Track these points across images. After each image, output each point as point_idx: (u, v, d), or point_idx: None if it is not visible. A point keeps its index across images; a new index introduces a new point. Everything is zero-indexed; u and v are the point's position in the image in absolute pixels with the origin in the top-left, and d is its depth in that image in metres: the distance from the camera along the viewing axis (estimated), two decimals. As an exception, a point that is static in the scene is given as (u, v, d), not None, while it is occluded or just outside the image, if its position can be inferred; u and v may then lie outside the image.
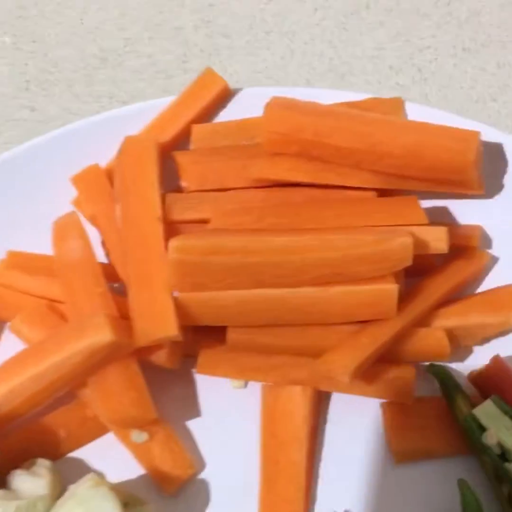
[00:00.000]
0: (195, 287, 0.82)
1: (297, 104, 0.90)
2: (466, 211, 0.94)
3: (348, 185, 0.89)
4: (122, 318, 0.85)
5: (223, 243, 0.81)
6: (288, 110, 0.88)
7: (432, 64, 1.08)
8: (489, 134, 0.93)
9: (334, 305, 0.83)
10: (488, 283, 0.92)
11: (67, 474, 0.84)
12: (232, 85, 0.99)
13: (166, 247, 0.83)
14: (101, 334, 0.80)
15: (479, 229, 0.93)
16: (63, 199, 0.95)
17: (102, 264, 0.90)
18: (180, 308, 0.83)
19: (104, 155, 0.95)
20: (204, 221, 0.89)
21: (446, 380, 0.87)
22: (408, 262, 0.82)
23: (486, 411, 0.83)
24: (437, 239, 0.85)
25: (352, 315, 0.84)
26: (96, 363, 0.82)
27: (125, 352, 0.83)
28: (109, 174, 0.93)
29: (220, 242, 0.81)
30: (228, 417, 0.89)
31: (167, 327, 0.81)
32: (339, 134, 0.87)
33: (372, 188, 0.89)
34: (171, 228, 0.88)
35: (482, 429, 0.82)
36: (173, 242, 0.81)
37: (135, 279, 0.84)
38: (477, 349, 0.90)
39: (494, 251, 0.93)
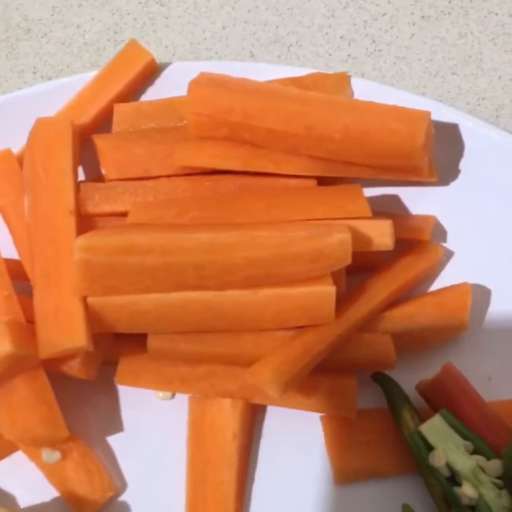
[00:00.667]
0: (108, 290, 0.73)
1: (225, 81, 0.80)
2: (419, 199, 0.85)
3: (284, 173, 0.80)
4: (30, 323, 0.76)
5: (137, 240, 0.72)
6: (214, 88, 0.79)
7: (387, 34, 0.98)
8: (445, 114, 0.83)
9: (265, 310, 0.75)
10: (442, 279, 0.84)
11: (-28, 497, 0.77)
12: (168, 58, 0.90)
13: (75, 245, 0.74)
14: (1, 346, 0.72)
15: (432, 220, 0.84)
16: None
17: (10, 260, 0.81)
18: (92, 314, 0.74)
19: (18, 139, 0.85)
20: (124, 214, 0.80)
21: (392, 390, 0.78)
22: (347, 261, 0.74)
23: (434, 428, 0.74)
24: (381, 234, 0.76)
25: (285, 321, 0.75)
26: (-1, 376, 0.73)
27: (32, 363, 0.75)
28: (21, 161, 0.83)
29: (133, 239, 0.72)
30: (153, 431, 0.81)
31: (75, 337, 0.72)
32: (272, 116, 0.78)
33: (311, 176, 0.80)
34: (86, 222, 0.80)
35: (430, 447, 0.74)
36: (80, 241, 0.72)
37: (41, 280, 0.75)
38: (427, 354, 0.81)
39: (448, 244, 0.84)
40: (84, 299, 0.74)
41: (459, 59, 0.96)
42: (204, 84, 0.79)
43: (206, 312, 0.75)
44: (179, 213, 0.78)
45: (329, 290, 0.74)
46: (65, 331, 0.73)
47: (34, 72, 0.99)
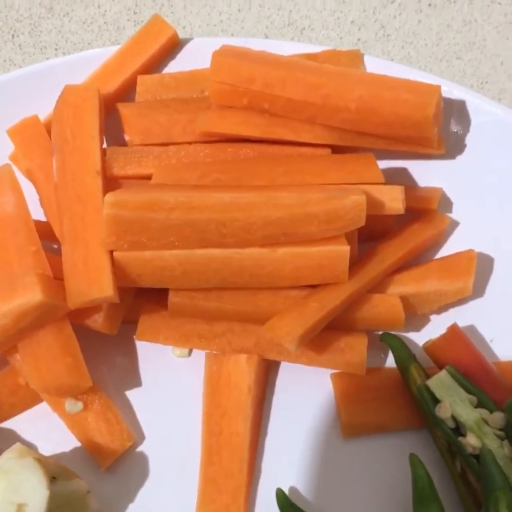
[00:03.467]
0: (134, 245, 0.77)
1: (247, 53, 0.84)
2: (426, 173, 0.89)
3: (301, 140, 0.84)
4: (57, 279, 0.79)
5: (163, 198, 0.76)
6: (236, 59, 0.83)
7: (396, 20, 1.02)
8: (453, 91, 0.88)
9: (282, 267, 0.78)
10: (448, 248, 0.88)
11: (-4, 445, 0.79)
12: (183, 37, 0.93)
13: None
14: (31, 295, 0.75)
15: (439, 191, 0.88)
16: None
17: (38, 221, 0.84)
18: (118, 268, 0.77)
19: (45, 107, 0.89)
20: (147, 177, 0.84)
21: (400, 349, 0.82)
22: (361, 222, 0.78)
23: (441, 382, 0.78)
24: (392, 199, 0.80)
25: (301, 278, 0.79)
26: (26, 326, 0.77)
27: (58, 315, 0.78)
28: (49, 127, 0.87)
29: (160, 197, 0.76)
30: (170, 387, 0.84)
31: (103, 288, 0.76)
32: (291, 86, 0.82)
33: (326, 145, 0.84)
34: (112, 184, 0.83)
35: (436, 401, 0.78)
36: (109, 197, 0.76)
37: (70, 236, 0.79)
38: (433, 318, 0.86)
39: (454, 215, 0.88)
40: (110, 253, 0.77)
41: (464, 45, 1.00)
42: (227, 54, 0.83)
43: (226, 268, 0.78)
44: (201, 176, 0.81)
45: (343, 249, 0.78)
46: (93, 282, 0.76)
47: (56, 49, 1.03)
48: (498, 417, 0.76)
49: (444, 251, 0.87)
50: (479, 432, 0.76)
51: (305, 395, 0.83)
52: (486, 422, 0.76)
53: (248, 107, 0.84)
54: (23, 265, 0.79)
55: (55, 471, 0.74)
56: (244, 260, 0.78)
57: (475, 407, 0.77)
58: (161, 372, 0.85)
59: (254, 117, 0.84)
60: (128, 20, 1.04)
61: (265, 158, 0.84)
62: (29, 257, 0.80)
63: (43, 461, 0.72)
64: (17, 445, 0.74)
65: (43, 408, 0.83)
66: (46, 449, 0.82)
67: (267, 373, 0.84)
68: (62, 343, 0.78)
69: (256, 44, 0.88)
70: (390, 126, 0.82)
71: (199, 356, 0.84)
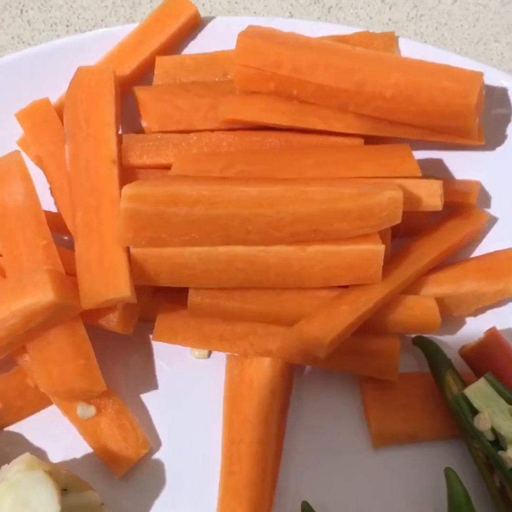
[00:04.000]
0: (153, 241, 0.72)
1: (275, 34, 0.79)
2: (463, 165, 0.84)
3: (331, 130, 0.78)
4: (69, 275, 0.74)
5: (184, 191, 0.70)
6: (263, 41, 0.77)
7: (429, -1, 0.96)
8: (492, 77, 0.82)
9: (312, 267, 0.73)
10: (486, 246, 0.83)
11: (4, 451, 0.76)
12: (204, 15, 0.87)
13: (121, 194, 0.72)
14: (42, 294, 0.70)
15: (477, 185, 0.82)
16: (6, 138, 0.84)
17: (48, 212, 0.79)
18: (135, 266, 0.72)
19: (56, 89, 0.84)
20: (166, 167, 0.78)
21: (434, 354, 0.77)
22: (397, 220, 0.72)
23: (479, 391, 0.73)
24: (430, 194, 0.75)
25: (331, 279, 0.74)
26: (37, 326, 0.72)
27: (71, 314, 0.73)
28: (61, 111, 0.81)
29: (181, 190, 0.70)
30: (188, 390, 0.80)
31: (119, 287, 0.71)
32: (322, 71, 0.76)
33: (358, 135, 0.79)
34: (128, 174, 0.78)
35: (474, 411, 0.73)
36: (127, 189, 0.70)
37: (83, 230, 0.73)
38: (470, 321, 0.81)
39: (493, 210, 0.83)
40: (127, 250, 0.72)
41: (502, 27, 0.95)
42: (254, 36, 0.78)
43: (251, 267, 0.73)
44: (225, 167, 0.76)
45: (377, 248, 0.73)
46: (109, 281, 0.71)
47: (68, 25, 0.97)
48: (541, 430, 0.71)
49: (482, 249, 0.82)
50: (521, 446, 0.71)
51: (332, 401, 0.79)
52: (529, 435, 0.72)
53: (275, 93, 0.78)
54: (33, 260, 0.75)
55: (67, 482, 0.70)
56: (270, 258, 0.73)
57: (516, 419, 0.72)
58: (178, 375, 0.80)
59: (282, 104, 0.78)
60: (144, -5, 0.98)
61: (293, 148, 0.79)
62: (39, 252, 0.75)
63: (54, 473, 0.68)
64: (26, 455, 0.69)
65: (53, 411, 0.78)
66: (56, 455, 0.78)
67: (292, 377, 0.79)
68: (75, 344, 0.74)
69: (283, 24, 0.82)
70: (428, 115, 0.76)
71: (219, 358, 0.79)
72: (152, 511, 0.76)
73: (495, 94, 0.82)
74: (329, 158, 0.77)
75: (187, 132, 0.80)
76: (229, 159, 0.77)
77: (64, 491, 0.68)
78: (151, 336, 0.79)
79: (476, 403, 0.73)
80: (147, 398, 0.79)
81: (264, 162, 0.77)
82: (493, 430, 0.72)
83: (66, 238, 0.81)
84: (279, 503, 0.76)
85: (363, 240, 0.73)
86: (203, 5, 0.97)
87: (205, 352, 0.80)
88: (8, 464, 0.70)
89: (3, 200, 0.77)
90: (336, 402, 0.79)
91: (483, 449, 0.72)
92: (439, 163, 0.84)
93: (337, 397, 0.79)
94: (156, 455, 0.78)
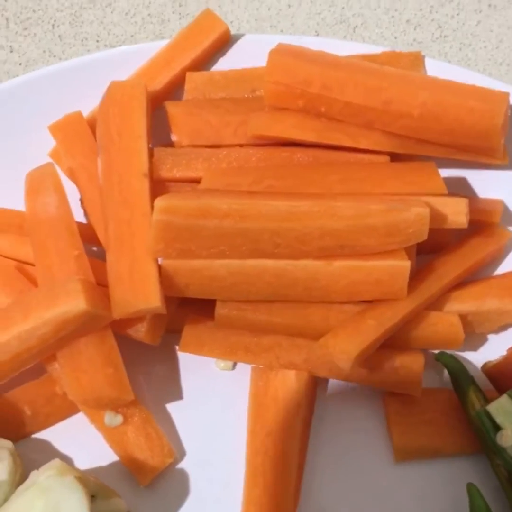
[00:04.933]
0: (183, 253, 0.73)
1: (305, 52, 0.80)
2: (487, 183, 0.85)
3: (358, 147, 0.79)
4: (100, 286, 0.75)
5: (215, 205, 0.72)
6: (294, 59, 0.78)
7: (454, 20, 0.98)
8: (516, 98, 0.83)
9: (338, 281, 0.74)
10: (509, 264, 0.83)
11: (31, 458, 0.76)
12: (233, 33, 0.89)
13: (152, 206, 0.73)
14: (74, 302, 0.71)
15: (500, 203, 0.83)
16: (39, 150, 0.85)
17: (80, 223, 0.80)
18: (165, 277, 0.74)
19: (88, 103, 0.85)
20: (196, 180, 0.80)
21: (457, 370, 0.78)
22: (423, 236, 0.74)
23: (502, 408, 0.74)
24: (456, 212, 0.76)
25: (357, 293, 0.75)
26: (67, 335, 0.73)
27: (102, 324, 0.74)
28: (93, 124, 0.83)
29: (211, 203, 0.72)
30: (212, 401, 0.81)
31: (149, 298, 0.72)
32: (351, 89, 0.77)
33: (385, 152, 0.80)
34: (159, 187, 0.79)
35: (497, 427, 0.74)
36: (159, 202, 0.72)
37: (115, 242, 0.75)
38: (493, 338, 0.82)
39: (516, 229, 0.84)
40: (157, 262, 0.74)
41: (526, 48, 0.96)
42: (284, 54, 0.79)
43: (278, 280, 0.74)
44: (254, 181, 0.77)
45: (403, 264, 0.74)
46: (139, 291, 0.72)
47: (98, 41, 0.99)
48: None
49: (505, 267, 0.83)
50: (543, 463, 0.72)
51: (355, 414, 0.80)
52: (551, 452, 0.72)
53: (303, 110, 0.79)
54: (65, 270, 0.76)
55: (95, 489, 0.71)
56: (297, 272, 0.74)
57: (539, 436, 0.73)
58: (203, 385, 0.81)
59: (310, 121, 0.80)
60: (173, 12, 1.00)
61: (320, 164, 0.80)
62: (72, 262, 0.76)
63: (83, 480, 0.69)
64: (57, 461, 0.70)
65: (80, 419, 0.79)
66: (83, 463, 0.78)
67: (315, 390, 0.80)
68: (104, 353, 0.75)
69: (311, 43, 0.84)
70: (454, 134, 0.77)
71: (244, 369, 0.80)
72: (176, 520, 0.77)
73: (518, 115, 0.84)
74: (356, 175, 0.78)
75: (217, 146, 0.81)
76: (258, 174, 0.78)
77: (92, 497, 0.69)
78: (177, 347, 0.80)
79: (499, 420, 0.74)
80: (172, 408, 0.80)
81: (292, 177, 0.78)
82: (516, 446, 0.73)
83: (95, 249, 0.82)
84: (301, 514, 0.77)
85: (389, 256, 0.74)
86: (231, 22, 0.99)
87: (230, 363, 0.81)
88: (37, 470, 0.71)
89: (36, 211, 0.78)
90: (359, 416, 0.79)
91: (506, 465, 0.73)
92: (463, 181, 0.85)
93: (360, 410, 0.79)
94: (181, 465, 0.78)
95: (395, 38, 0.98)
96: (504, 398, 0.74)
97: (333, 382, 0.81)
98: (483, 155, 0.80)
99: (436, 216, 0.75)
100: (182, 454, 0.79)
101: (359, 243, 0.73)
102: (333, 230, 0.72)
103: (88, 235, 0.80)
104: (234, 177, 0.78)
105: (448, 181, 0.83)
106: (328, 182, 0.77)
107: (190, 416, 0.80)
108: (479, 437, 0.75)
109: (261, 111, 0.81)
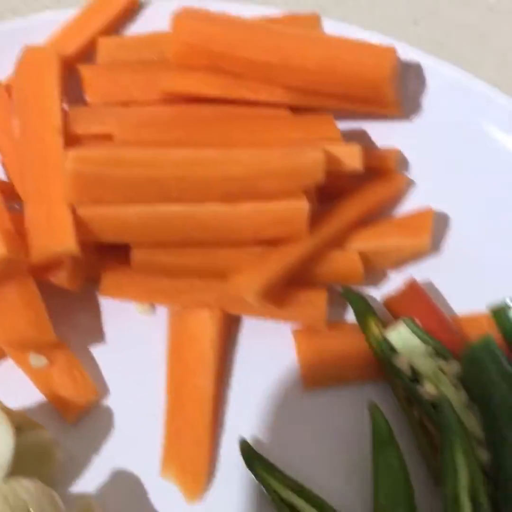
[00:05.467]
0: (95, 201, 0.78)
1: (207, 14, 0.86)
2: (384, 134, 0.91)
3: (260, 100, 0.85)
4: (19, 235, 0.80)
5: (124, 154, 0.77)
6: (197, 20, 0.84)
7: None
8: (410, 55, 0.90)
9: (243, 223, 0.80)
10: (405, 208, 0.90)
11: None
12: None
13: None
14: (-5, 249, 0.75)
15: (396, 152, 0.90)
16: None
17: (1, 182, 0.84)
18: (80, 224, 0.78)
19: (3, 70, 0.89)
20: (109, 137, 0.84)
21: (358, 303, 0.84)
22: (320, 179, 0.79)
23: (398, 334, 0.80)
24: (351, 157, 0.82)
25: (261, 233, 0.80)
26: (-12, 281, 0.77)
27: (21, 269, 0.79)
28: (9, 89, 0.88)
29: (121, 153, 0.77)
30: (133, 343, 0.85)
31: (64, 241, 0.77)
32: (251, 47, 0.83)
33: (285, 106, 0.86)
34: (74, 143, 0.84)
35: (395, 352, 0.80)
36: (72, 152, 0.76)
37: (32, 193, 0.79)
38: (393, 275, 0.88)
39: (411, 175, 0.90)
40: (73, 209, 0.78)
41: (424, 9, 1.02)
42: (188, 15, 0.85)
43: (187, 224, 0.79)
44: (163, 134, 0.82)
45: (302, 205, 0.79)
46: (55, 236, 0.77)
47: (14, 13, 1.03)
48: (454, 366, 0.78)
49: (402, 210, 0.89)
50: (436, 381, 0.78)
51: (268, 350, 0.84)
52: (443, 371, 0.78)
53: (208, 68, 0.85)
54: (-16, 222, 0.80)
55: (20, 421, 0.74)
56: (204, 215, 0.79)
57: (432, 357, 0.79)
58: (125, 329, 0.85)
59: (215, 78, 0.85)
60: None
61: (225, 118, 0.85)
62: (-10, 214, 0.80)
63: (7, 411, 0.73)
64: (-19, 395, 0.74)
65: (6, 362, 0.83)
66: (11, 404, 0.81)
67: (230, 328, 0.85)
68: (25, 297, 0.79)
69: (215, 6, 0.89)
70: (348, 86, 0.84)
71: (164, 313, 0.85)
72: (102, 453, 0.81)
73: (412, 70, 0.91)
74: (258, 127, 0.84)
75: (128, 104, 0.86)
76: (166, 127, 0.83)
77: (18, 430, 0.73)
78: (98, 294, 0.85)
79: (396, 344, 0.80)
80: (95, 350, 0.85)
81: (199, 130, 0.83)
82: (411, 368, 0.79)
83: (17, 206, 0.86)
84: (221, 442, 0.81)
85: (289, 198, 0.80)
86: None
87: (149, 307, 0.86)
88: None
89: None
90: (272, 351, 0.84)
91: (403, 385, 0.79)
92: (362, 133, 0.92)
93: (273, 346, 0.84)
94: (104, 402, 0.83)
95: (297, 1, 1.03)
96: (400, 324, 0.80)
97: (248, 322, 0.86)
98: (376, 105, 0.86)
99: (332, 160, 0.81)
100: (105, 392, 0.83)
101: (261, 187, 0.78)
102: (236, 176, 0.78)
103: (7, 192, 0.84)
104: (144, 131, 0.83)
105: (349, 133, 0.90)
106: (232, 134, 0.83)
107: (113, 357, 0.84)
108: (380, 362, 0.81)
109: (168, 71, 0.86)
